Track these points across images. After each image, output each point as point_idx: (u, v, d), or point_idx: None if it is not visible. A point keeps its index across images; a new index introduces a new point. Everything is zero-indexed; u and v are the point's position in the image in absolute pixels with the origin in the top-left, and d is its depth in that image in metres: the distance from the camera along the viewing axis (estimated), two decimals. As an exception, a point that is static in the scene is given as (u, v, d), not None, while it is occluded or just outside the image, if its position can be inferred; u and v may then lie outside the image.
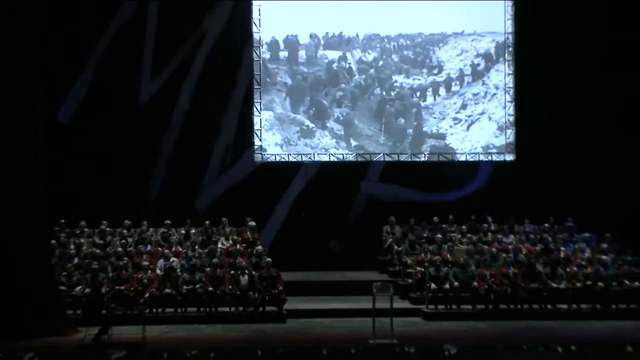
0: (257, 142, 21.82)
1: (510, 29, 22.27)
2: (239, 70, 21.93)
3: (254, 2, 21.89)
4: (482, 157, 22.15)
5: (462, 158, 22.07)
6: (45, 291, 15.20)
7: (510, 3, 22.29)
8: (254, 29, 21.90)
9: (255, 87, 21.87)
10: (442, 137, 22.18)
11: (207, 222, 19.61)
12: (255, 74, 21.87)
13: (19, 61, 15.10)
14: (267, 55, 22.06)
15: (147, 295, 16.54)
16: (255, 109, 21.84)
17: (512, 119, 22.14)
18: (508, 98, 22.19)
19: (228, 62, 21.82)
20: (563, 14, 21.53)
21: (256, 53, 21.92)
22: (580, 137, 21.45)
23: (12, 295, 14.61)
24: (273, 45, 22.07)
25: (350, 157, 21.95)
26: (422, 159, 22.05)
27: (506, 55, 22.27)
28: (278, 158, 21.88)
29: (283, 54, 22.15)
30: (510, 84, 22.21)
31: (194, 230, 19.53)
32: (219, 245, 18.84)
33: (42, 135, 15.81)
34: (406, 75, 22.26)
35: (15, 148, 15.06)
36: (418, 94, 22.24)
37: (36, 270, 14.96)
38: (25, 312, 14.61)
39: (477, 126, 22.23)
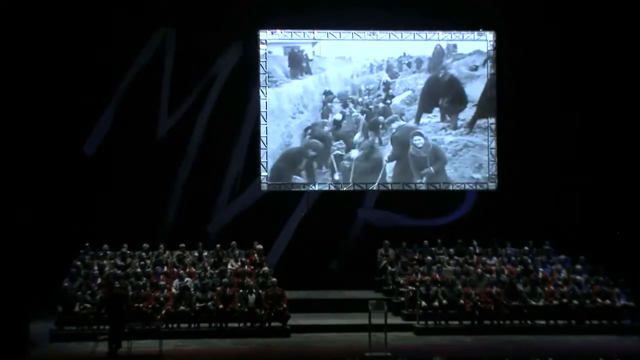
0: (263, 172, 21.92)
1: (492, 70, 22.49)
2: (247, 106, 22.00)
3: (261, 45, 22.12)
4: (467, 187, 22.31)
5: (450, 187, 22.17)
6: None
7: (491, 48, 22.57)
8: (261, 70, 22.13)
9: (262, 122, 22.04)
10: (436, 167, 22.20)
11: (218, 245, 19.72)
12: (262, 110, 22.04)
13: None
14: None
15: (163, 312, 16.64)
16: (261, 142, 21.95)
17: (494, 152, 22.32)
18: (491, 134, 22.38)
19: (237, 99, 21.90)
20: (541, 56, 21.74)
21: (262, 92, 22.11)
22: (555, 169, 21.61)
23: None
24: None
25: (348, 187, 22.00)
26: (413, 188, 22.13)
27: (489, 96, 22.41)
28: (282, 187, 21.94)
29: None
30: (493, 121, 22.36)
31: (206, 253, 19.55)
32: (229, 266, 18.89)
33: None
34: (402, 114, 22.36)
35: None
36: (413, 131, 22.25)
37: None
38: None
39: (466, 158, 22.28)
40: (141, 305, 16.62)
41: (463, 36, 22.50)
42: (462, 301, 17.39)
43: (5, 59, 19.36)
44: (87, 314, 16.54)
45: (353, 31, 22.23)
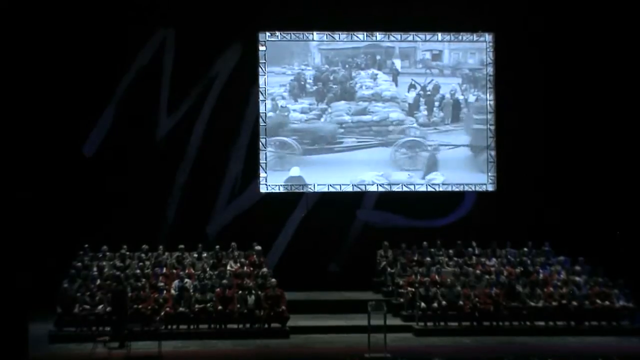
0: (262, 174, 21.90)
1: (491, 72, 22.53)
2: (247, 108, 21.97)
3: (260, 46, 22.11)
4: (466, 188, 22.29)
5: (449, 189, 22.19)
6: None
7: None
8: (260, 71, 22.13)
9: (261, 124, 22.01)
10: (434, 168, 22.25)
11: (218, 246, 19.72)
12: (261, 112, 22.03)
13: None
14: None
15: (162, 313, 16.64)
16: (260, 144, 21.94)
17: (493, 153, 22.31)
18: (490, 135, 22.41)
19: (237, 100, 21.87)
20: (540, 59, 21.74)
21: (262, 93, 22.12)
22: (554, 171, 21.62)
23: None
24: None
25: (348, 188, 22.05)
26: (413, 189, 22.14)
27: (488, 98, 22.48)
28: (281, 189, 21.93)
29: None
30: (492, 122, 22.38)
31: (205, 254, 19.55)
32: (228, 267, 18.89)
33: None
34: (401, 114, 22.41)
35: None
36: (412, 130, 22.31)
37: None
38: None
39: (466, 159, 22.30)
40: (140, 306, 16.61)
41: (462, 37, 22.52)
42: (461, 302, 17.40)
43: (6, 59, 19.37)
44: (87, 315, 16.53)
45: (352, 32, 22.24)
